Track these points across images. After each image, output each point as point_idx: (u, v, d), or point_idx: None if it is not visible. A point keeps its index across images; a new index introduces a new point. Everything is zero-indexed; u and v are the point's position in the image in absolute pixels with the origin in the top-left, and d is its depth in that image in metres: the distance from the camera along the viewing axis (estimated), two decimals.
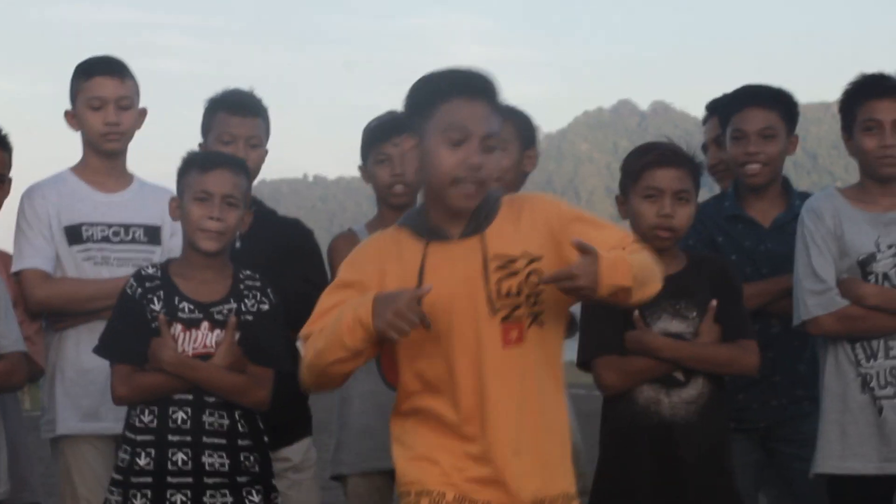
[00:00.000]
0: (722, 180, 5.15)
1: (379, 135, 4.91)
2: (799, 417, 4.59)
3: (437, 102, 3.23)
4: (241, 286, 4.04)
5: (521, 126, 4.69)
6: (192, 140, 5.19)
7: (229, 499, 3.89)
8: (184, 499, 3.87)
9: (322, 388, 3.38)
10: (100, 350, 4.06)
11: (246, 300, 4.02)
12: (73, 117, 4.86)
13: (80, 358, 4.66)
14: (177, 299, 3.98)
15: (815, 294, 4.26)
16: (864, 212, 4.32)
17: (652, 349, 3.97)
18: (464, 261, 3.26)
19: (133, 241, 4.77)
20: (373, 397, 4.80)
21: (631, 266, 3.14)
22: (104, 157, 4.84)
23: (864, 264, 4.28)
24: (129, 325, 3.98)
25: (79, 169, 4.87)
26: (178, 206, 4.08)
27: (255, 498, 3.93)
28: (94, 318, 4.66)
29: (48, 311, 4.68)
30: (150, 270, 4.06)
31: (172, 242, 4.78)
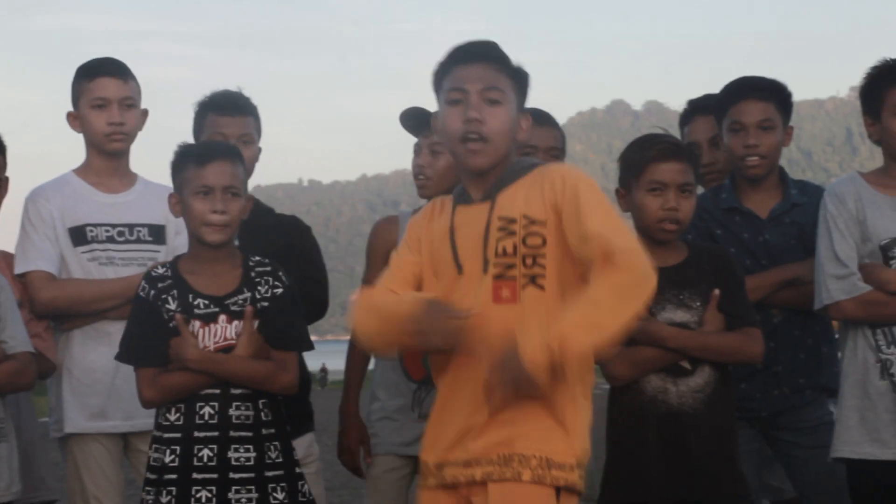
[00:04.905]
0: (706, 184, 5.03)
1: (412, 126, 4.75)
2: (800, 406, 4.58)
3: (443, 74, 3.51)
4: (252, 273, 4.02)
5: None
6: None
7: (255, 495, 3.86)
8: (209, 495, 3.83)
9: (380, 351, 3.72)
10: (122, 356, 4.02)
11: (259, 287, 3.99)
12: (75, 119, 4.85)
13: (86, 357, 4.68)
14: (191, 296, 3.95)
15: (838, 278, 4.21)
16: (886, 196, 4.27)
17: (659, 339, 3.96)
18: (477, 222, 3.49)
19: (138, 240, 4.76)
20: (396, 388, 4.78)
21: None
22: (108, 157, 4.83)
23: (887, 249, 4.22)
24: (148, 328, 3.95)
25: (82, 170, 4.86)
26: (178, 202, 4.04)
27: (280, 495, 3.90)
28: (100, 318, 4.68)
29: (55, 312, 4.67)
30: (160, 270, 4.02)
31: (177, 241, 4.78)
